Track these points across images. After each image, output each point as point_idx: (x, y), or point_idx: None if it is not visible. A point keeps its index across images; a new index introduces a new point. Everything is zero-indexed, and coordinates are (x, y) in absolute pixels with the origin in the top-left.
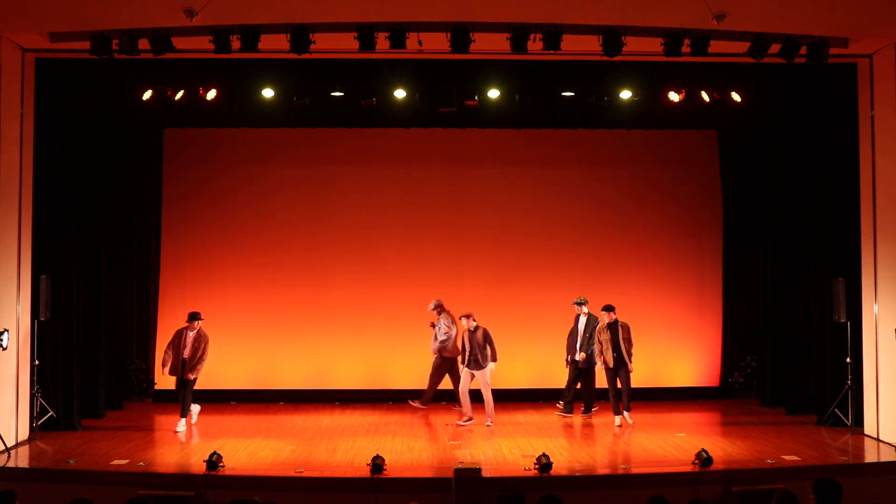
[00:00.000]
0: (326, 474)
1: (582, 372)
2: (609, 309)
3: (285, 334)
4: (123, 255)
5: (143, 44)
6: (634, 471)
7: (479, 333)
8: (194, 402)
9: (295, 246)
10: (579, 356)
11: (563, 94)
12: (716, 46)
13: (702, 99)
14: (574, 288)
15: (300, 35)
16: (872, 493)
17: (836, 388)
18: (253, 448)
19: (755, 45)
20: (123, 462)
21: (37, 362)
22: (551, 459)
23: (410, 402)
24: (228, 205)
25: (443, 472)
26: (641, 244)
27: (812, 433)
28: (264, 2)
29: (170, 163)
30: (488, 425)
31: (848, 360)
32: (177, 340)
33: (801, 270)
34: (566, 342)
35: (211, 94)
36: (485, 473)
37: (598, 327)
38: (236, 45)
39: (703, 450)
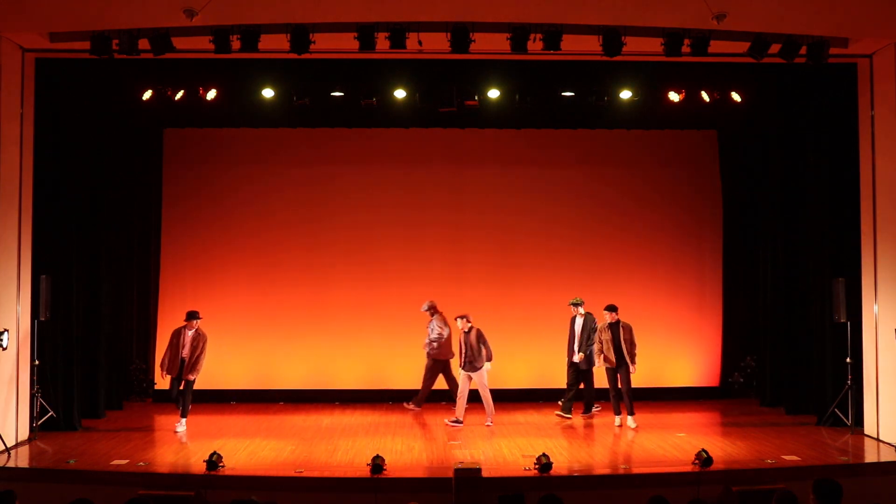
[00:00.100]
0: (326, 474)
1: (582, 373)
2: (611, 309)
3: (285, 334)
4: (123, 255)
5: (143, 44)
6: (634, 471)
7: (473, 335)
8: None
9: (295, 246)
10: (577, 357)
11: (563, 94)
12: (716, 46)
13: (702, 99)
14: (574, 288)
15: (300, 35)
16: (872, 493)
17: (836, 388)
18: (253, 448)
19: (755, 45)
20: (123, 462)
21: (37, 362)
22: (551, 459)
23: (405, 405)
24: (228, 205)
25: (443, 472)
26: (641, 244)
27: (812, 433)
28: (264, 2)
29: (170, 163)
30: (488, 425)
31: (848, 360)
32: (175, 340)
33: (801, 270)
34: (567, 344)
35: (211, 94)
36: (485, 473)
37: (599, 327)
38: (236, 45)
39: (703, 450)
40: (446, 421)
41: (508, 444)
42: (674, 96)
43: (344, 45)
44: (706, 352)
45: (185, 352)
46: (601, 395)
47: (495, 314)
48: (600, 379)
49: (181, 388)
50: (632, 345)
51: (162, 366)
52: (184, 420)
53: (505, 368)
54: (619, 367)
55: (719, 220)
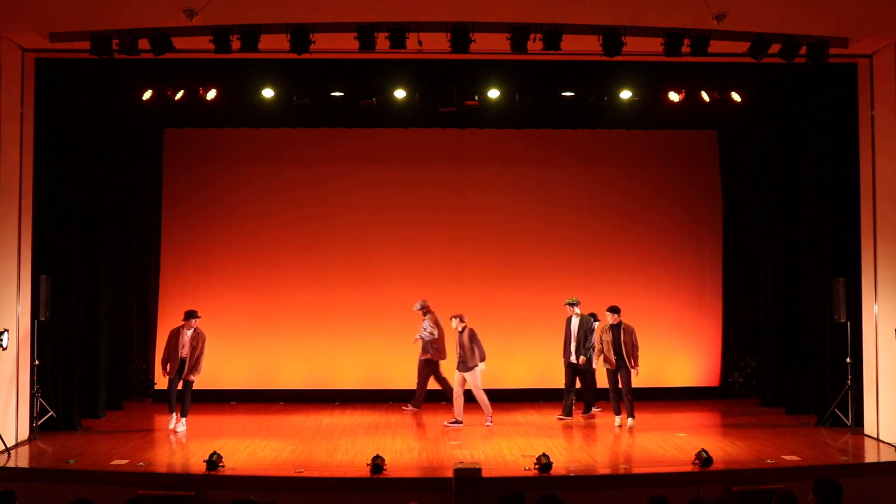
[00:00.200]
0: (326, 474)
1: (580, 373)
2: (614, 310)
3: (285, 334)
4: (123, 255)
5: (143, 44)
6: (634, 471)
7: (466, 335)
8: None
9: (295, 246)
10: (580, 359)
11: (563, 94)
12: (716, 46)
13: (702, 99)
14: (574, 288)
15: (300, 35)
16: (872, 493)
17: (836, 388)
18: (253, 448)
19: (755, 45)
20: (123, 462)
21: (37, 362)
22: (551, 459)
23: (404, 407)
24: (228, 205)
25: (443, 472)
26: (641, 244)
27: (812, 433)
28: (264, 2)
29: (170, 163)
30: (488, 425)
31: (848, 360)
32: (174, 340)
33: (801, 270)
34: (563, 344)
35: (211, 94)
36: (485, 473)
37: (601, 327)
38: (236, 45)
39: (703, 450)
40: (445, 423)
41: (508, 444)
42: (674, 96)
43: (344, 45)
44: (706, 352)
45: (185, 352)
46: (602, 395)
47: (495, 314)
48: (602, 379)
49: (180, 387)
50: (633, 347)
51: (164, 367)
52: (184, 420)
53: (505, 368)
54: (619, 369)
55: (719, 220)
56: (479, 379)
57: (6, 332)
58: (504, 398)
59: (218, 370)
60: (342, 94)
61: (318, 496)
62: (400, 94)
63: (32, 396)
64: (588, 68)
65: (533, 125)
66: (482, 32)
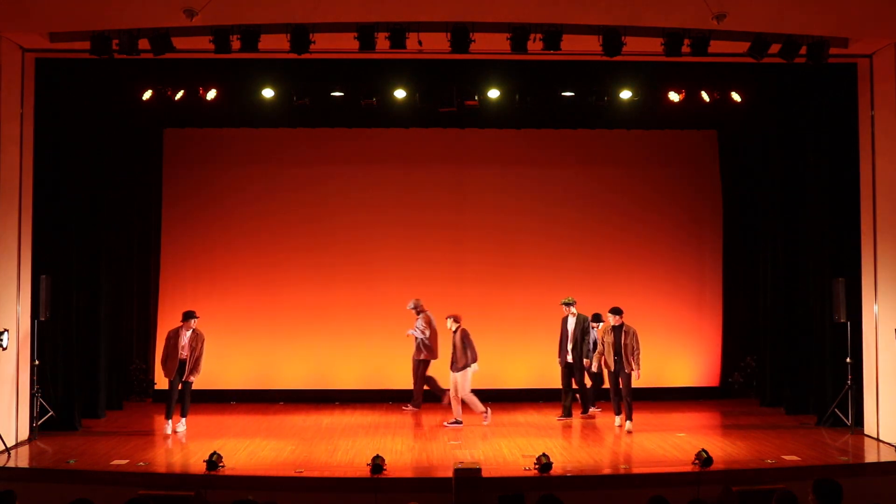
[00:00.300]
0: (326, 474)
1: (578, 373)
2: (616, 312)
3: (285, 334)
4: (123, 255)
5: (143, 44)
6: (634, 471)
7: (458, 335)
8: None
9: (295, 246)
10: (585, 362)
11: (563, 94)
12: (716, 46)
13: (702, 99)
14: (574, 288)
15: (300, 35)
16: (872, 493)
17: (836, 388)
18: (253, 448)
19: (755, 45)
20: (123, 462)
21: (37, 362)
22: (551, 459)
23: (403, 408)
24: (228, 205)
25: (443, 472)
26: (641, 244)
27: (812, 433)
28: (264, 2)
29: (170, 163)
30: (485, 424)
31: (848, 360)
32: (173, 341)
33: (801, 270)
34: (558, 344)
35: (211, 94)
36: (485, 473)
37: (602, 327)
38: (236, 45)
39: (703, 450)
40: (445, 423)
41: (508, 444)
42: (674, 96)
43: (344, 45)
44: (706, 352)
45: (185, 353)
46: (602, 395)
47: (495, 314)
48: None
49: (180, 388)
50: (634, 350)
51: (163, 367)
52: (183, 420)
53: (505, 368)
54: (619, 371)
55: (719, 220)
56: (469, 380)
57: (6, 332)
58: (504, 398)
59: (218, 370)
60: (342, 94)
61: (318, 496)
62: (400, 94)
63: (32, 396)
64: (588, 68)
65: (533, 125)
66: (482, 32)
